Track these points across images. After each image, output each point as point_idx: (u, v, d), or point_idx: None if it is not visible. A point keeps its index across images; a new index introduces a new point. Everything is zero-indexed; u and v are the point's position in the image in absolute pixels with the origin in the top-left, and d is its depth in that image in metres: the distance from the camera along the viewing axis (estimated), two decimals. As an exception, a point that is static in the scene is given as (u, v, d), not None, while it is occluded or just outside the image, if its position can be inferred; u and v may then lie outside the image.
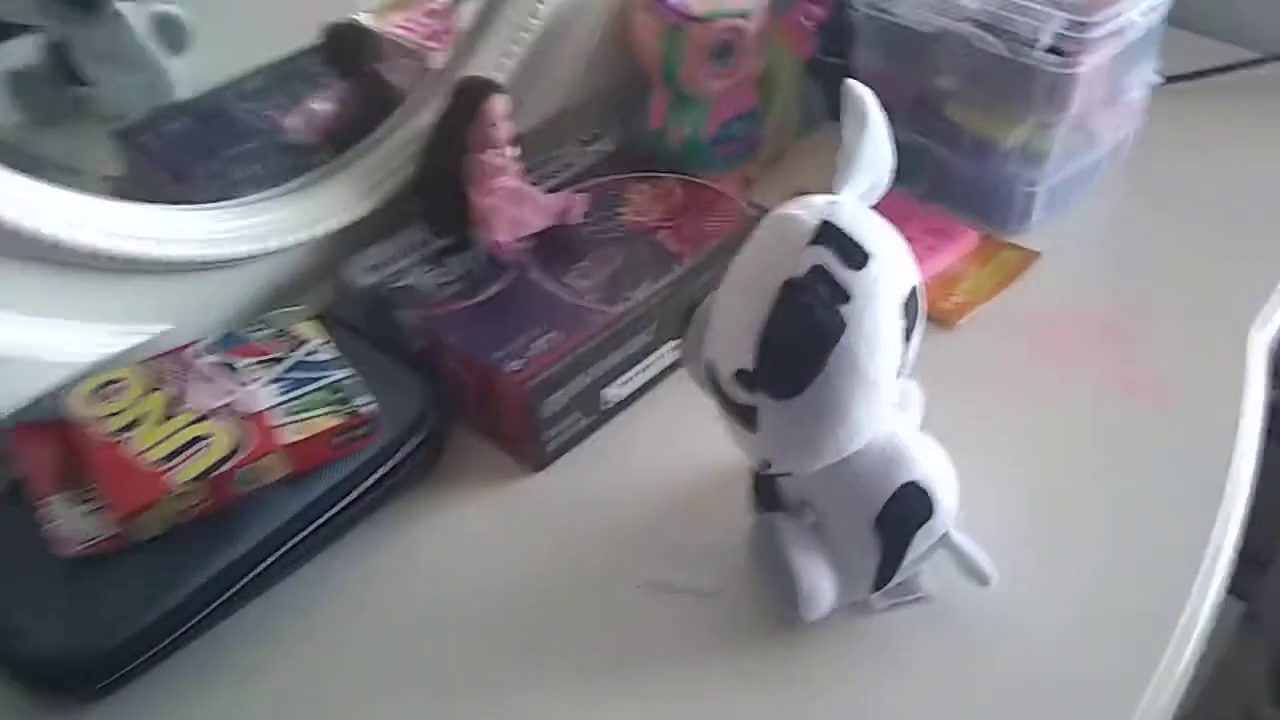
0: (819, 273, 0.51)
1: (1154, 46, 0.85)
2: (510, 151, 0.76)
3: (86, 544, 0.60)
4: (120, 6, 0.70)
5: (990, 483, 0.63)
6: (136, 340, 0.69)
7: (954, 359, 0.75)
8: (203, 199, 0.73)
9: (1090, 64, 0.77)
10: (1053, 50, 0.77)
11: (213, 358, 0.67)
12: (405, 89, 0.83)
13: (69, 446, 0.63)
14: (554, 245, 0.77)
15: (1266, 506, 0.74)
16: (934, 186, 0.88)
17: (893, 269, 0.53)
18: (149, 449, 0.61)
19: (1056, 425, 0.72)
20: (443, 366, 0.72)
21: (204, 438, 0.62)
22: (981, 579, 0.60)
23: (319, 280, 0.78)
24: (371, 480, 0.66)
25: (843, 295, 0.51)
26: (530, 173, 0.79)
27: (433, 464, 0.70)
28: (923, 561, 0.60)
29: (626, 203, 0.81)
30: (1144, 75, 0.87)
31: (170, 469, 0.60)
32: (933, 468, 0.58)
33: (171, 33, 0.73)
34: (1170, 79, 0.92)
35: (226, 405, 0.64)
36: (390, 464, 0.67)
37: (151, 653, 0.59)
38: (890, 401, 0.55)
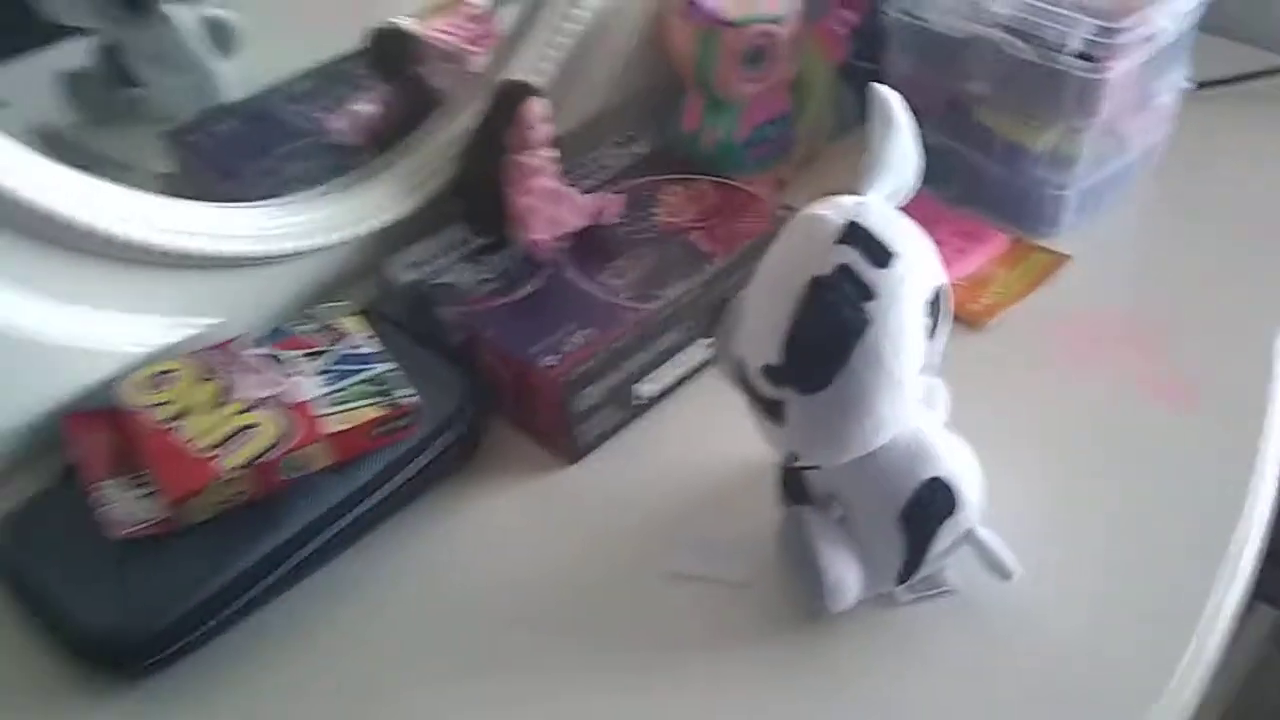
0: (845, 271, 0.52)
1: (1185, 52, 0.85)
2: (548, 153, 0.77)
3: (138, 527, 0.62)
4: (170, 10, 0.72)
5: (1015, 479, 0.63)
6: (188, 333, 0.71)
7: (982, 359, 0.75)
8: (251, 197, 0.75)
9: (1119, 69, 0.78)
10: (1082, 56, 0.78)
11: (260, 350, 0.69)
12: (447, 92, 0.84)
13: (122, 434, 0.65)
14: (589, 244, 0.78)
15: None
16: (965, 190, 0.89)
17: (918, 268, 0.54)
18: (199, 437, 0.63)
19: (1082, 425, 0.73)
20: (480, 361, 0.73)
21: (251, 426, 0.64)
22: (1004, 574, 0.60)
23: (362, 277, 0.80)
24: (410, 470, 0.68)
25: (868, 293, 0.52)
26: (567, 174, 0.80)
27: (469, 456, 0.72)
28: (947, 556, 0.61)
29: (660, 204, 0.82)
30: (1175, 81, 0.87)
31: (219, 456, 0.62)
32: (957, 463, 0.59)
33: (221, 36, 0.74)
34: (1202, 84, 0.92)
35: (273, 396, 0.66)
36: (428, 455, 0.68)
37: (198, 633, 0.61)
38: (915, 398, 0.56)
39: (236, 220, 0.72)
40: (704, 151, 0.89)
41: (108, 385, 0.67)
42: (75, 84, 0.70)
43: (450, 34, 0.86)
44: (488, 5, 0.87)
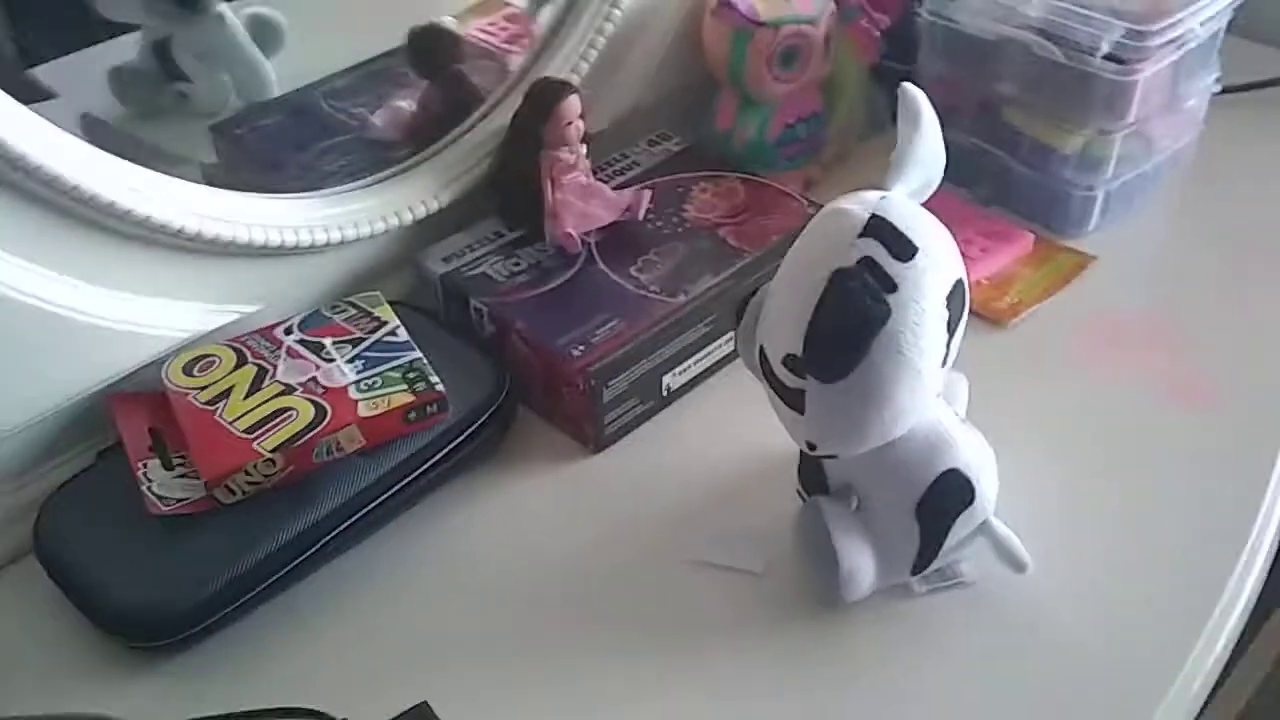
0: (867, 263, 0.53)
1: (1214, 56, 0.86)
2: (582, 149, 0.79)
3: (176, 505, 0.63)
4: (220, 7, 0.74)
5: (1033, 475, 0.64)
6: (229, 319, 0.72)
7: (1005, 357, 0.76)
8: (293, 189, 0.76)
9: (1149, 72, 0.78)
10: (1112, 58, 0.78)
11: (298, 336, 0.71)
12: (485, 89, 0.86)
13: (163, 415, 0.67)
14: (620, 239, 0.80)
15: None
16: (995, 190, 0.89)
17: (939, 262, 0.54)
18: (237, 419, 0.65)
19: (1101, 423, 0.73)
20: (511, 351, 0.74)
21: (288, 410, 0.65)
22: (1018, 566, 0.61)
23: (398, 267, 0.81)
24: (440, 456, 0.69)
25: (890, 285, 0.52)
26: (600, 170, 0.82)
27: (498, 443, 0.73)
28: (962, 547, 0.62)
29: (690, 200, 0.83)
30: (1204, 84, 0.87)
31: (256, 437, 0.64)
32: (974, 456, 0.59)
33: (266, 33, 0.76)
34: (1230, 89, 0.92)
35: (310, 380, 0.67)
36: (458, 441, 0.69)
37: (232, 608, 0.62)
38: (934, 390, 0.57)
39: (279, 211, 0.73)
40: (735, 150, 0.90)
41: (151, 367, 0.69)
42: (123, 78, 0.72)
43: (489, 33, 0.87)
44: (526, 6, 0.89)
